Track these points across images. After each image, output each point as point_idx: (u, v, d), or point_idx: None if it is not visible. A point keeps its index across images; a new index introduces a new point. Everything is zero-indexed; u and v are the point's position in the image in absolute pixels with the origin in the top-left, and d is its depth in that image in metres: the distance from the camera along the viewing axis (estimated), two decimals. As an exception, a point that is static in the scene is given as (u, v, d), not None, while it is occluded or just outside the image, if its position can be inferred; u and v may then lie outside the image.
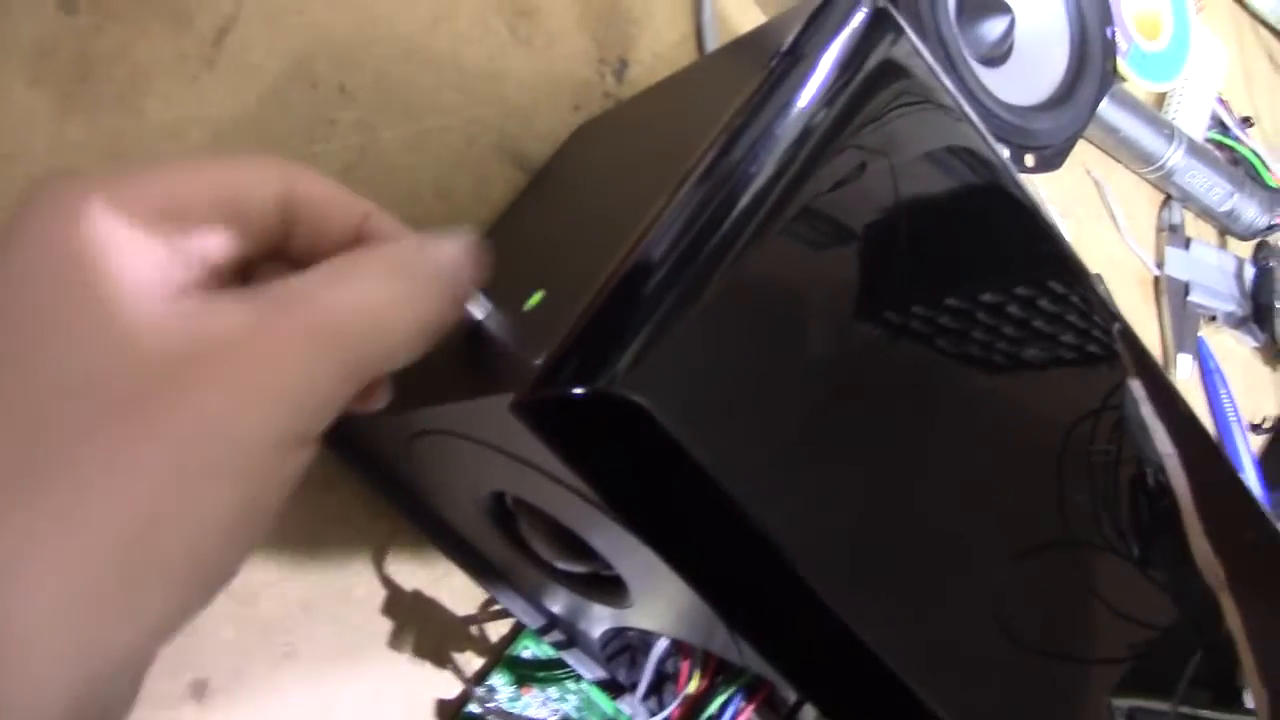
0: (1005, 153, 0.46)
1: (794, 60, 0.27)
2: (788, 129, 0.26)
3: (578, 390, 0.21)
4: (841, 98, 0.27)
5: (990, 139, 0.31)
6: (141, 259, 0.20)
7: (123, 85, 0.35)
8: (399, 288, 0.22)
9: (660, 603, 0.30)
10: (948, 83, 0.29)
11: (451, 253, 0.24)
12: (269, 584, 0.36)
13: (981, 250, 0.31)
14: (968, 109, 0.30)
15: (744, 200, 0.24)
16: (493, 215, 0.43)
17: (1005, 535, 0.31)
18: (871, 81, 0.28)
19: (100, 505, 0.18)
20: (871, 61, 0.28)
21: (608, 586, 0.32)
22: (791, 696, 0.39)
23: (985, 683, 0.29)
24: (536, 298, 0.26)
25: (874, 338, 0.27)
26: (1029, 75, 0.51)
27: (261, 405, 0.19)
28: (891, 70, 0.28)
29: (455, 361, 0.28)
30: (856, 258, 0.27)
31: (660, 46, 0.51)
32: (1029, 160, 0.47)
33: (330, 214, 0.24)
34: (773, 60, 0.27)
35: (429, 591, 0.39)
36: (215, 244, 0.22)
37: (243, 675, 0.35)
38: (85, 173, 0.20)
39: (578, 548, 0.31)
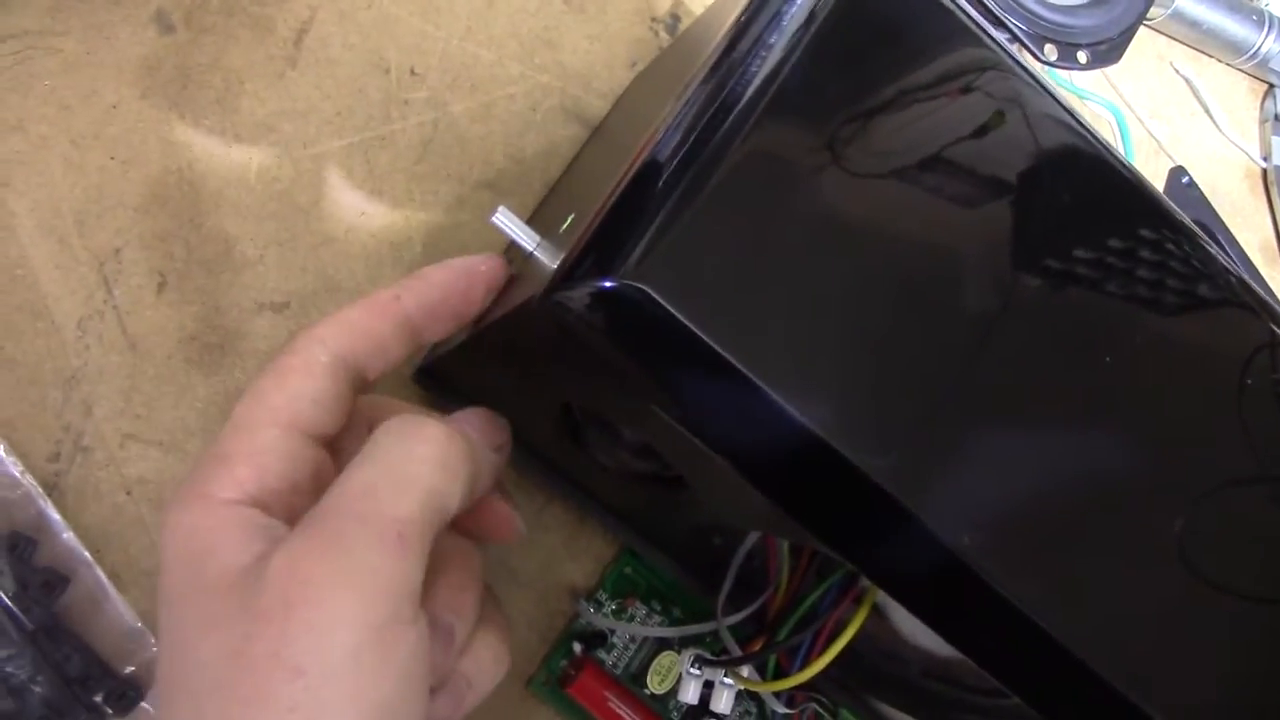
0: (1053, 53, 0.47)
1: None
2: (788, 21, 0.28)
3: (593, 284, 0.24)
4: None
5: (999, 38, 0.32)
6: (231, 533, 0.25)
7: (219, 90, 0.40)
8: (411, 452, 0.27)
9: (717, 491, 0.32)
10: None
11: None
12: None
13: (995, 147, 0.32)
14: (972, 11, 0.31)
15: (747, 93, 0.26)
16: (560, 170, 0.46)
17: (1160, 470, 0.30)
18: None
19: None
20: None
21: (675, 485, 0.35)
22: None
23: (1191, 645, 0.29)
24: (569, 220, 0.29)
25: (888, 222, 0.29)
26: (1081, -25, 0.51)
27: (345, 614, 0.24)
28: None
29: (513, 290, 0.31)
30: (859, 146, 0.28)
31: (710, -2, 0.53)
32: (1082, 57, 0.47)
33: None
34: None
35: (532, 520, 0.43)
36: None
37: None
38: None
39: (643, 450, 0.34)
